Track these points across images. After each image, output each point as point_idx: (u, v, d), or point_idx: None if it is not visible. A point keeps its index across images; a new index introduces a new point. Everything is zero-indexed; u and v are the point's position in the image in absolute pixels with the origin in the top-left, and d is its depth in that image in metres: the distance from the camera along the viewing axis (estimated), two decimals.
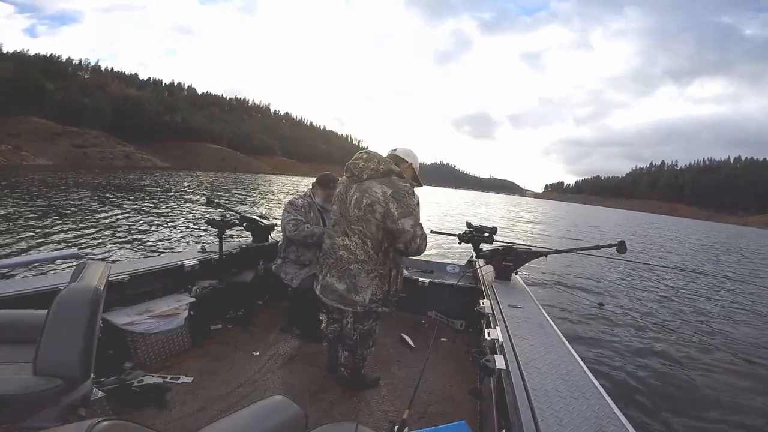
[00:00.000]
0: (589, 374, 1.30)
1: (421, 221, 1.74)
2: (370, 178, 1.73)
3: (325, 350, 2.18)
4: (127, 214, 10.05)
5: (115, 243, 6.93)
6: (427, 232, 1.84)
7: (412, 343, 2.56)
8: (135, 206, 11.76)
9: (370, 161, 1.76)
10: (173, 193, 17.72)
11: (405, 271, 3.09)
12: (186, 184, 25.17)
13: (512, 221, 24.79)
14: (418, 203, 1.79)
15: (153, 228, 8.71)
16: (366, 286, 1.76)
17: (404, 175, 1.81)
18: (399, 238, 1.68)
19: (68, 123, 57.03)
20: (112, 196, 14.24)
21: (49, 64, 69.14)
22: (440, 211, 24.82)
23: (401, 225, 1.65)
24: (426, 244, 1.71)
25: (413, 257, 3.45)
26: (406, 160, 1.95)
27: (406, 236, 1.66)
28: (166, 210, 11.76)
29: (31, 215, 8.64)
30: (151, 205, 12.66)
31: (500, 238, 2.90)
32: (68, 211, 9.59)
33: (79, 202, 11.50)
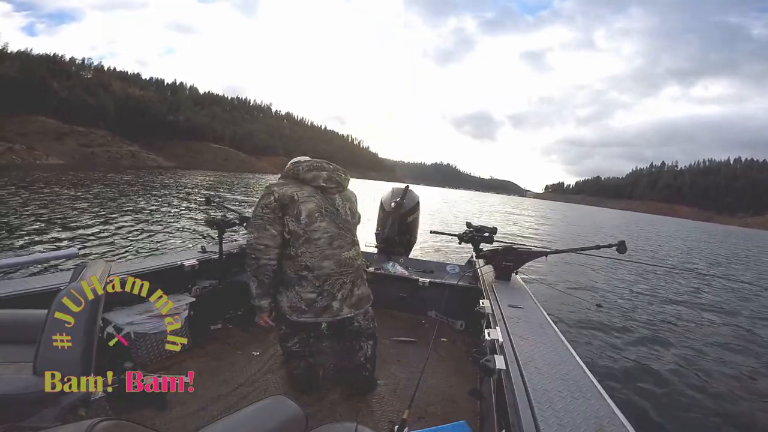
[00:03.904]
0: (589, 374, 1.29)
1: None
2: (345, 188, 1.84)
3: (303, 359, 1.90)
4: (127, 214, 10.05)
5: (115, 243, 6.93)
6: (428, 231, 1.88)
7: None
8: (136, 206, 11.76)
9: (340, 171, 1.81)
10: (175, 193, 17.73)
11: (405, 272, 3.10)
12: (189, 183, 25.18)
13: (506, 216, 24.80)
14: None
15: (153, 228, 8.70)
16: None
17: None
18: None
19: (73, 122, 57.24)
20: (115, 195, 14.24)
21: (52, 64, 69.20)
22: (439, 209, 24.83)
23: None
24: None
25: (412, 257, 3.47)
26: None
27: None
28: (167, 210, 11.76)
29: (32, 214, 8.64)
30: (152, 204, 12.66)
31: (500, 238, 2.91)
32: (70, 211, 9.58)
33: (82, 201, 11.49)
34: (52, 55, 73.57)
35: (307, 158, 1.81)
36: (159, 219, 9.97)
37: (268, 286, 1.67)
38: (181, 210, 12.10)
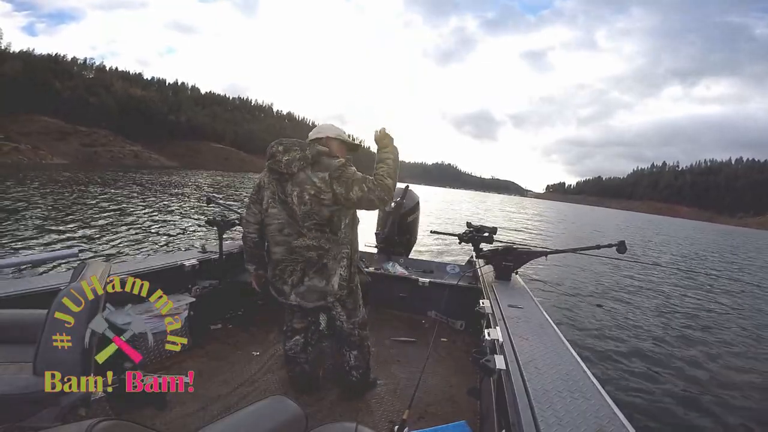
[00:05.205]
0: (589, 374, 1.29)
1: (365, 175, 1.63)
2: (302, 169, 1.62)
3: (298, 365, 1.93)
4: (128, 214, 10.06)
5: (115, 243, 6.94)
6: (428, 231, 1.82)
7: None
8: (136, 206, 11.77)
9: (291, 152, 1.64)
10: (176, 192, 17.73)
11: (405, 272, 3.10)
12: (190, 182, 25.20)
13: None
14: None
15: (153, 228, 8.71)
16: (335, 272, 1.69)
17: (334, 153, 1.71)
18: (362, 206, 1.63)
19: (75, 122, 57.31)
20: (116, 194, 14.24)
21: (54, 64, 69.22)
22: (439, 209, 24.85)
23: (354, 196, 1.57)
24: (385, 185, 1.59)
25: (412, 257, 3.46)
26: (328, 135, 1.79)
27: (364, 201, 1.59)
28: (167, 209, 11.76)
29: (33, 214, 8.65)
30: (153, 204, 12.66)
31: (500, 238, 2.90)
32: (70, 211, 9.60)
33: (83, 201, 11.50)
34: (54, 55, 73.69)
35: (285, 140, 1.72)
36: (159, 219, 9.97)
37: (250, 254, 1.88)
38: (182, 210, 12.10)
